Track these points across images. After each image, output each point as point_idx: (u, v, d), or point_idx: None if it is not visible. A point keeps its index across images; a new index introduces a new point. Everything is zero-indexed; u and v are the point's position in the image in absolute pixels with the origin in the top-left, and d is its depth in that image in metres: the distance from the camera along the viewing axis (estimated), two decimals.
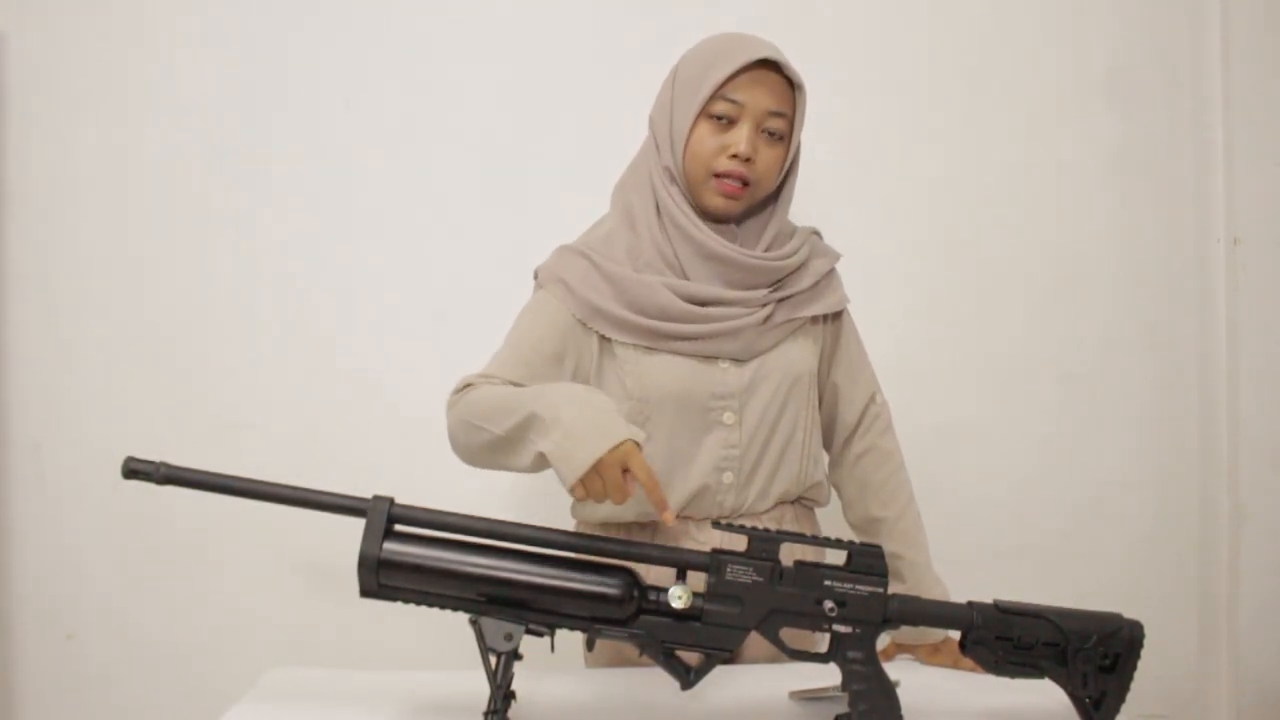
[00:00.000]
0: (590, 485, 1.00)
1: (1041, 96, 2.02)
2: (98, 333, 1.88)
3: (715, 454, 1.23)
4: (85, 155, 1.88)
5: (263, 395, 1.89)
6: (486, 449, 1.12)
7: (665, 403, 1.22)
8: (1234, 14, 1.99)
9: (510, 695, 0.96)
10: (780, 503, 1.30)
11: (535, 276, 1.30)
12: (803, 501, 1.35)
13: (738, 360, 1.23)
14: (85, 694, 1.88)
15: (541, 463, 1.05)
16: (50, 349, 1.88)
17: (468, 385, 1.18)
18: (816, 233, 1.36)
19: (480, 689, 0.95)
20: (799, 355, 1.27)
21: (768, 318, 1.23)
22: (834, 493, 1.41)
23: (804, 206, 1.92)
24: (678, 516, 1.23)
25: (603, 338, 1.23)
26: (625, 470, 1.00)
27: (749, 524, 1.17)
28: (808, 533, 1.30)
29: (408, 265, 1.92)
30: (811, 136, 2.00)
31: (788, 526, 1.30)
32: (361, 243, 1.91)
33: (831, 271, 1.32)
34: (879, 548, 1.02)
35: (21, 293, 1.88)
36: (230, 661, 1.85)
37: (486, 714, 0.94)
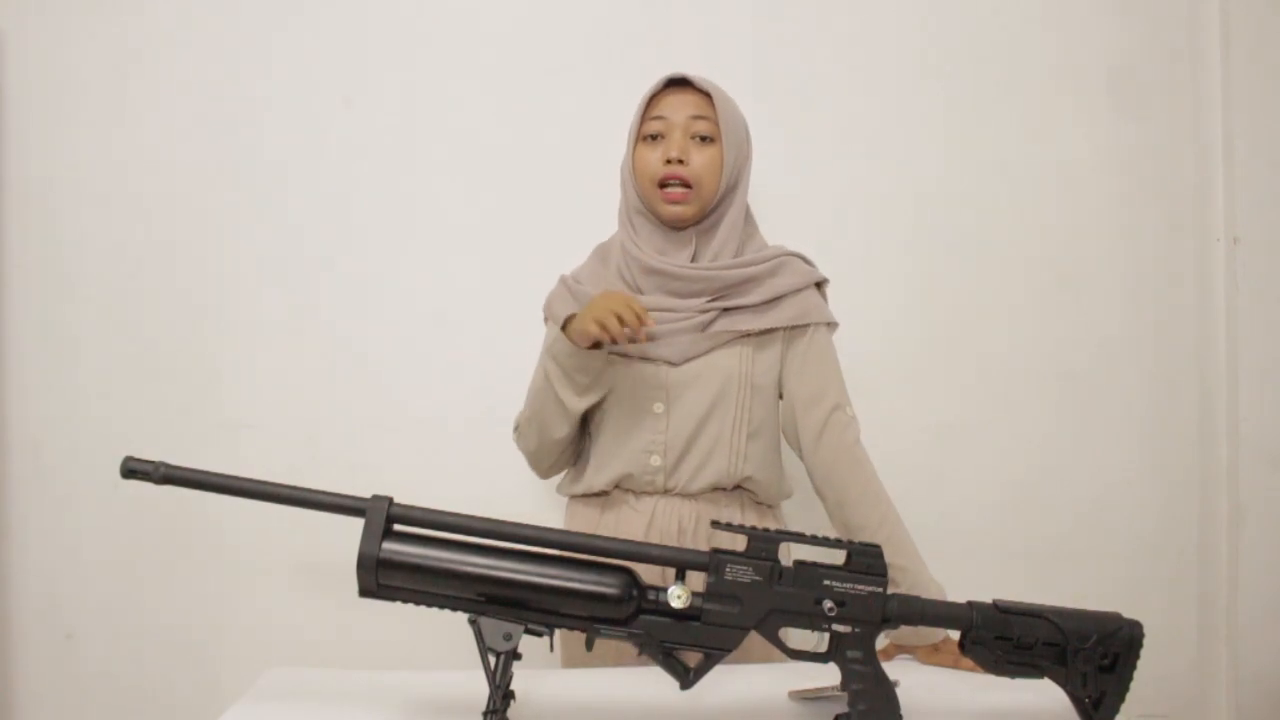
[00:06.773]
0: (605, 324, 1.26)
1: (1042, 97, 2.02)
2: (98, 332, 1.88)
3: (644, 438, 1.40)
4: (85, 155, 1.88)
5: (263, 395, 1.89)
6: (549, 409, 1.38)
7: (613, 393, 1.41)
8: (1234, 14, 1.99)
9: (510, 695, 0.96)
10: (716, 489, 1.41)
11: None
12: (747, 493, 1.44)
13: (671, 362, 1.39)
14: (85, 694, 1.88)
15: (568, 352, 1.32)
16: (50, 349, 1.88)
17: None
18: (801, 256, 1.45)
19: (480, 689, 0.95)
20: (731, 363, 1.39)
21: (706, 326, 1.38)
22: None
23: (806, 206, 1.93)
24: (616, 488, 1.43)
25: None
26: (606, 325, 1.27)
27: (683, 502, 1.39)
28: (771, 526, 1.41)
29: (408, 265, 1.92)
30: (812, 136, 2.00)
31: (723, 512, 1.41)
32: (361, 242, 1.92)
33: (804, 290, 1.42)
34: (878, 547, 1.02)
35: (21, 292, 1.88)
36: (230, 661, 1.85)
37: (486, 714, 0.94)
